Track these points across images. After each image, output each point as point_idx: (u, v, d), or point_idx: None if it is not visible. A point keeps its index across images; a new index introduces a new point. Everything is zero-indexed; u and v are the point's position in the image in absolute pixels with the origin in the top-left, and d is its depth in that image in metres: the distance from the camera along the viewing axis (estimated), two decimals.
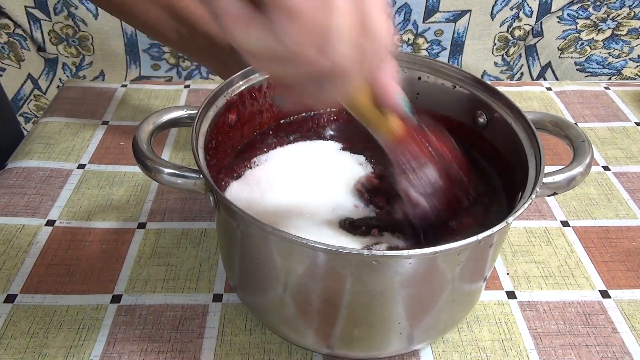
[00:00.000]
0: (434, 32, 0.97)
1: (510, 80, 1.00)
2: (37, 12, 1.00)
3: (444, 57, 1.00)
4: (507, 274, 0.53)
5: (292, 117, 0.54)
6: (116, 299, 0.49)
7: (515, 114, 0.46)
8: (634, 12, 0.98)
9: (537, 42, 1.00)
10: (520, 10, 0.97)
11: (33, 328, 0.46)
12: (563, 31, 0.98)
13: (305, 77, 0.28)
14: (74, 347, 0.45)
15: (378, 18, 0.27)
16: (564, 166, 0.41)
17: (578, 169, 0.41)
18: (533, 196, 0.37)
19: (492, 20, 0.97)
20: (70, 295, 0.49)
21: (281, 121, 0.53)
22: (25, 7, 1.00)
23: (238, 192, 0.46)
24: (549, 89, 0.80)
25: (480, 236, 0.34)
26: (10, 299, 0.48)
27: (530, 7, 0.98)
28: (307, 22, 0.25)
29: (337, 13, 0.25)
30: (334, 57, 0.26)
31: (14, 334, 0.45)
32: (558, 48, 0.97)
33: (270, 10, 0.25)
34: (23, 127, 1.04)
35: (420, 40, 0.98)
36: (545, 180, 0.40)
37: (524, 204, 0.36)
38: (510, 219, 0.35)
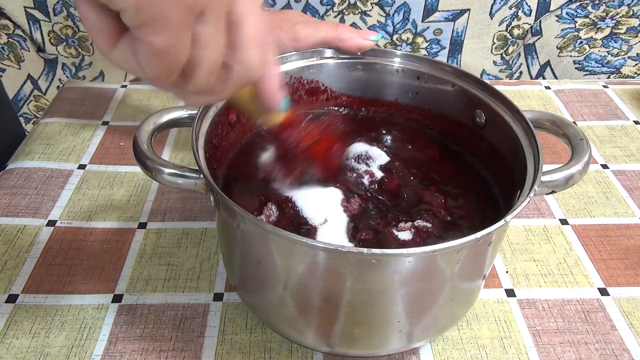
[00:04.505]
0: (433, 31, 0.97)
1: (509, 79, 1.00)
2: (36, 13, 1.00)
3: (443, 56, 1.00)
4: (507, 272, 0.53)
5: None
6: (117, 298, 0.49)
7: (513, 113, 0.46)
8: (633, 10, 0.98)
9: (536, 41, 1.00)
10: (519, 9, 0.97)
11: (35, 328, 0.46)
12: (562, 30, 0.98)
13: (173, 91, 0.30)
14: (75, 346, 0.45)
15: (248, 44, 0.29)
16: (562, 164, 0.41)
17: (576, 167, 0.41)
18: (531, 194, 0.37)
19: (491, 19, 0.97)
20: (71, 295, 0.49)
21: None
22: (25, 7, 1.00)
23: None
24: (547, 87, 0.80)
25: (479, 234, 0.34)
26: (12, 299, 0.48)
27: (529, 6, 0.98)
28: (166, 58, 0.26)
29: (200, 48, 0.27)
30: (194, 84, 0.28)
31: (15, 334, 0.46)
32: (557, 47, 0.97)
33: (135, 39, 0.26)
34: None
35: (420, 40, 0.98)
36: (544, 178, 0.40)
37: (522, 202, 0.36)
38: (508, 217, 0.36)
